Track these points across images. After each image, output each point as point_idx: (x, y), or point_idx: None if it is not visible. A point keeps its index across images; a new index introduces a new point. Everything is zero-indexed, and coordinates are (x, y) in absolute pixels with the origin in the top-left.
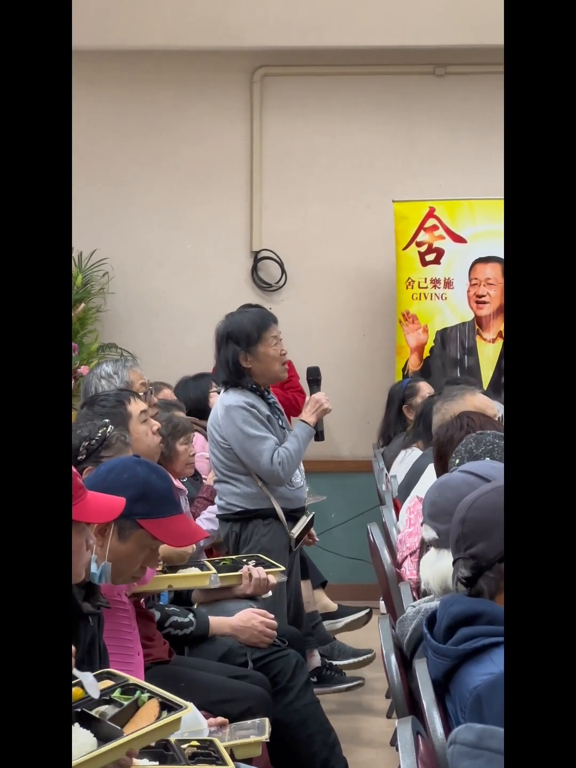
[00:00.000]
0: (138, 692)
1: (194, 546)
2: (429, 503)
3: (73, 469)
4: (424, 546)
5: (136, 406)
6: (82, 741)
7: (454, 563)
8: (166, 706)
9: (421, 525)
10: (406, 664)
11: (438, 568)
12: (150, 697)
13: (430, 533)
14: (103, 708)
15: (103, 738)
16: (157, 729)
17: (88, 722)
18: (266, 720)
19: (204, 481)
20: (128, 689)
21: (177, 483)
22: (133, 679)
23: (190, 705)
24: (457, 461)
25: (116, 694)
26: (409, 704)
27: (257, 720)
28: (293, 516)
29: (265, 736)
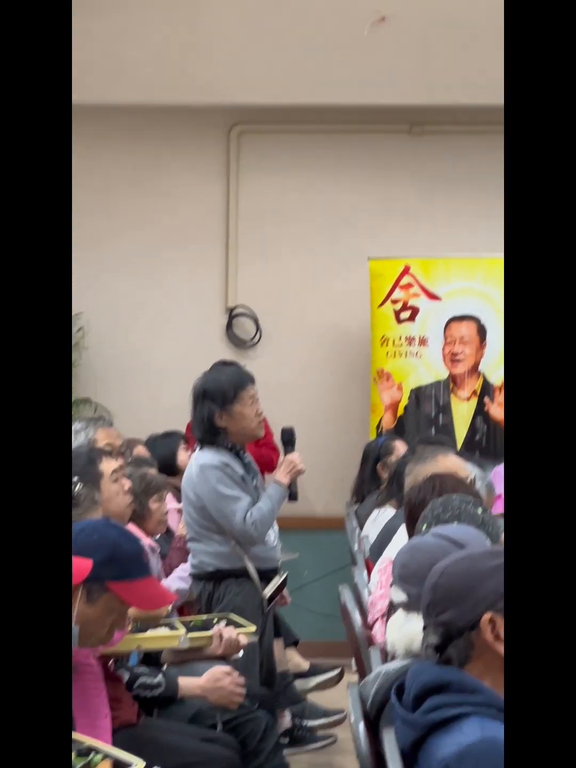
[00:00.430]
0: (92, 754)
1: (168, 608)
2: (400, 565)
3: None
4: (392, 607)
5: (107, 465)
6: None
7: (424, 629)
8: (118, 765)
9: (391, 586)
10: (374, 729)
11: (405, 630)
12: (103, 758)
13: (399, 596)
14: None
15: None
16: None
17: None
18: None
19: (175, 534)
20: (82, 752)
21: (148, 541)
22: (89, 742)
23: (141, 762)
24: (425, 526)
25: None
26: None
27: None
28: (267, 576)
29: None
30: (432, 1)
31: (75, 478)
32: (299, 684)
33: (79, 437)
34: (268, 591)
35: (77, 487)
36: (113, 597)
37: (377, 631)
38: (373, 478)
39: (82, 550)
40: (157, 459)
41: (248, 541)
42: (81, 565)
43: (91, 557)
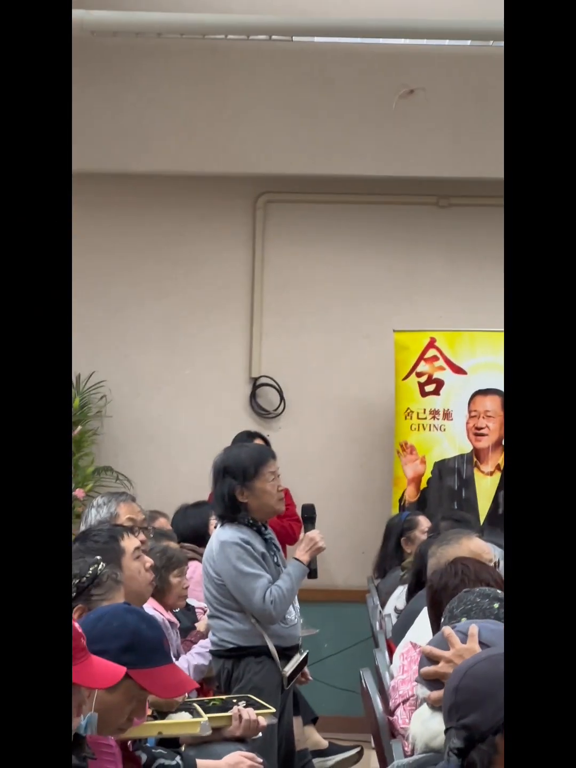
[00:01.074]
0: None
1: (185, 695)
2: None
3: (79, 630)
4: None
5: (129, 543)
6: None
7: (445, 732)
8: None
9: (416, 681)
10: None
11: (428, 726)
12: None
13: (424, 692)
14: None
15: None
16: None
17: None
18: None
19: (197, 625)
20: None
21: (168, 615)
22: None
23: None
24: (443, 620)
25: None
26: None
27: None
28: (287, 654)
29: None
30: (460, 74)
31: (97, 558)
32: (318, 763)
33: (101, 511)
34: (288, 670)
35: (99, 567)
36: (133, 684)
37: (399, 716)
38: (397, 553)
39: (102, 637)
40: (188, 529)
41: (267, 620)
42: (113, 670)
43: (111, 645)
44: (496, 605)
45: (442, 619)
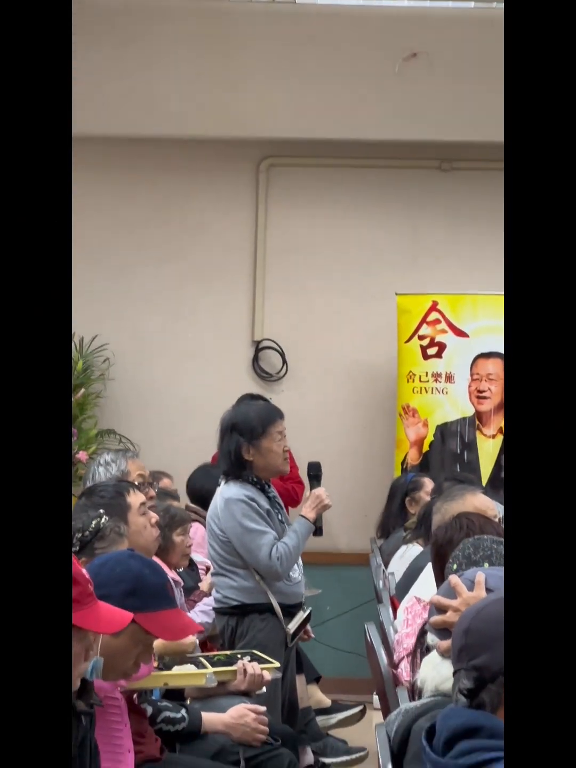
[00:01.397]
0: None
1: (195, 644)
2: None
3: (86, 576)
4: (419, 646)
5: (135, 498)
6: None
7: (455, 674)
8: None
9: (425, 627)
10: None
11: (439, 670)
12: None
13: (435, 639)
14: None
15: None
16: None
17: None
18: None
19: (200, 584)
20: None
21: (172, 574)
22: None
23: None
24: (455, 566)
25: None
26: None
27: None
28: (290, 611)
29: None
30: (463, 38)
31: (100, 511)
32: (321, 721)
33: (111, 468)
34: (292, 627)
35: (103, 520)
36: (138, 629)
37: (403, 669)
38: (401, 514)
39: (106, 582)
40: (211, 489)
41: (273, 577)
42: (120, 615)
43: (114, 589)
44: None
45: (454, 565)
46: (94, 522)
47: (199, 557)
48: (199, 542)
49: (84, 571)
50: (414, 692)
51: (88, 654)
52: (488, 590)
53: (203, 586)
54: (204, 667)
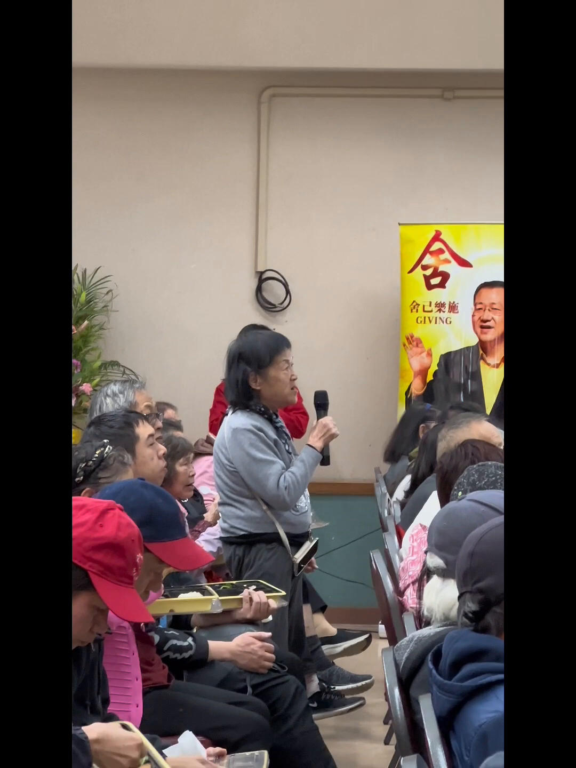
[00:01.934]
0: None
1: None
2: (436, 531)
3: (137, 560)
4: (427, 574)
5: (143, 429)
6: None
7: (460, 597)
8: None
9: (426, 553)
10: (405, 693)
11: (443, 596)
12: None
13: (435, 561)
14: None
15: None
16: None
17: None
18: (265, 753)
19: (205, 515)
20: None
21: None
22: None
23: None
24: (460, 493)
25: None
26: (412, 738)
27: (256, 753)
28: (297, 541)
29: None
30: None
31: (104, 441)
32: (327, 649)
33: (118, 400)
34: (299, 556)
35: (106, 449)
36: (151, 557)
37: (408, 596)
38: (413, 439)
39: None
40: None
41: (280, 506)
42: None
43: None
44: None
45: (459, 492)
46: (97, 452)
47: (206, 489)
48: (211, 475)
49: (139, 557)
50: (421, 620)
51: (97, 623)
52: (493, 509)
53: (208, 516)
54: (210, 593)
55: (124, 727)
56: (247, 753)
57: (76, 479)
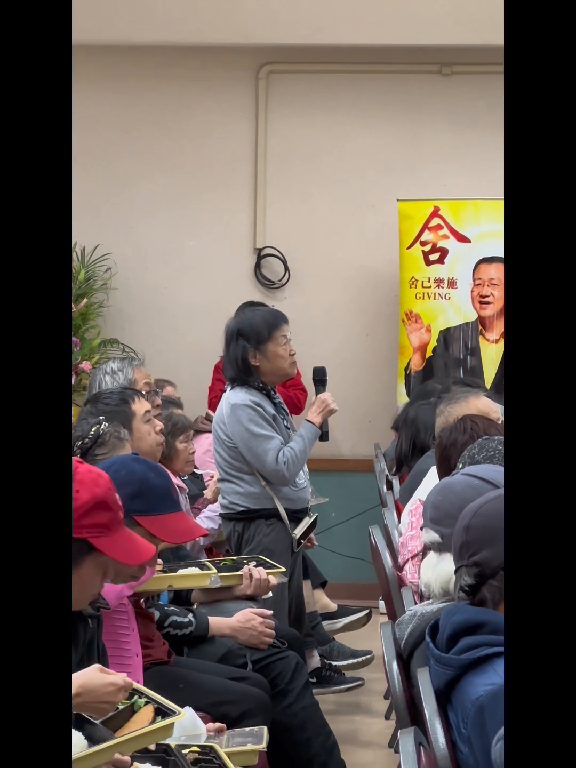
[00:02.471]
0: (135, 697)
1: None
2: (431, 506)
3: (118, 503)
4: (426, 549)
5: (140, 406)
6: (73, 743)
7: (456, 571)
8: (161, 712)
9: (422, 528)
10: (406, 668)
11: (439, 570)
12: (146, 703)
13: (431, 536)
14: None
15: (93, 740)
16: (147, 733)
17: (80, 725)
18: (264, 729)
19: (205, 492)
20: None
21: (177, 481)
22: (134, 685)
23: (184, 711)
24: (461, 465)
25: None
26: (410, 712)
27: (255, 728)
28: (296, 517)
29: (263, 746)
30: None
31: (100, 418)
32: (327, 625)
33: (117, 377)
34: (298, 532)
35: (102, 426)
36: (144, 532)
37: (407, 571)
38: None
39: None
40: None
41: (279, 482)
42: (147, 548)
43: (119, 492)
44: None
45: (461, 465)
46: (93, 428)
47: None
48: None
49: (117, 497)
50: (421, 595)
51: (106, 575)
52: (488, 482)
53: (208, 493)
54: (208, 568)
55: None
56: (247, 729)
57: (74, 456)
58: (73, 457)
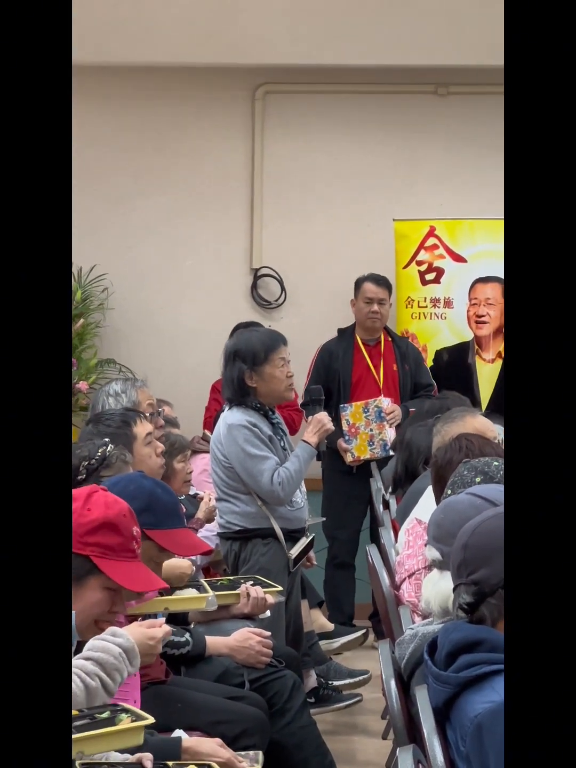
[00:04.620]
0: (121, 714)
1: (194, 567)
2: (434, 524)
3: (135, 534)
4: (428, 567)
5: (141, 428)
6: None
7: (455, 589)
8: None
9: (425, 546)
10: (404, 687)
11: (440, 588)
12: (128, 716)
13: (433, 554)
14: (80, 723)
15: None
16: (111, 733)
17: None
18: (260, 753)
19: (197, 513)
20: (115, 711)
21: None
22: (126, 706)
23: (150, 718)
24: (449, 492)
25: (103, 714)
26: (408, 730)
27: (251, 752)
28: (293, 536)
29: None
30: None
31: (105, 440)
32: (323, 645)
33: (121, 400)
34: (294, 552)
35: (109, 448)
36: (151, 545)
37: (405, 590)
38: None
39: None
40: None
41: (275, 502)
42: (151, 578)
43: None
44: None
45: (449, 491)
46: (100, 450)
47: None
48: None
49: (136, 529)
50: (417, 613)
51: (116, 603)
52: (490, 502)
53: (199, 513)
54: (205, 590)
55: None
56: (243, 751)
57: (79, 477)
58: (98, 486)
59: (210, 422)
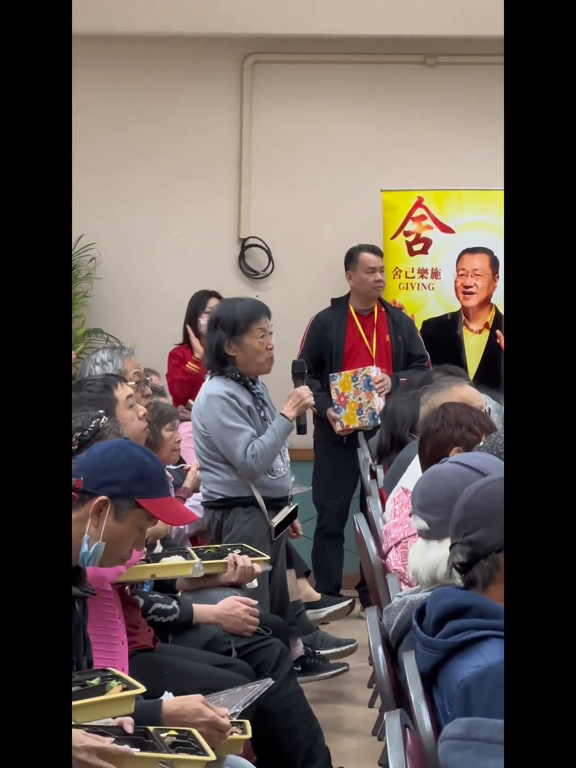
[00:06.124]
0: (112, 681)
1: (167, 529)
2: (419, 493)
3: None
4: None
5: (122, 391)
6: None
7: (450, 548)
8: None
9: (410, 516)
10: (392, 654)
11: (427, 558)
12: (119, 684)
13: (419, 523)
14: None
15: None
16: (102, 702)
17: None
18: (247, 722)
19: (185, 482)
20: (105, 678)
21: None
22: (116, 672)
23: (141, 686)
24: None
25: (94, 681)
26: (396, 696)
27: (238, 718)
28: (275, 505)
29: (248, 735)
30: None
31: (100, 411)
32: (310, 614)
33: (107, 368)
34: (276, 520)
35: (102, 421)
36: (142, 514)
37: (392, 558)
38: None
39: (111, 468)
40: None
41: (248, 475)
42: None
43: (122, 475)
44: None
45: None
46: (93, 422)
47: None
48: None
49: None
50: (404, 581)
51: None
52: (476, 470)
53: (187, 483)
54: (192, 557)
55: None
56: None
57: (72, 448)
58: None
59: (172, 388)
